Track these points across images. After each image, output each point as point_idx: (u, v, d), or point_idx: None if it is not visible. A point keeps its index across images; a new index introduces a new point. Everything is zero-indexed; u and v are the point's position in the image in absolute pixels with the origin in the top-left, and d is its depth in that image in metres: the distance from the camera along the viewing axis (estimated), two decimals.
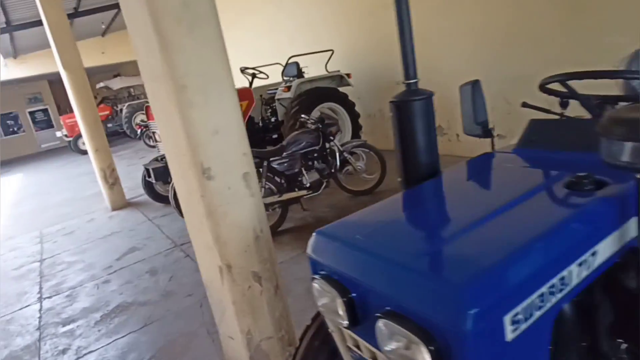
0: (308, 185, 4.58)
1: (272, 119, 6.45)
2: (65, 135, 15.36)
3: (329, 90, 6.14)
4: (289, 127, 5.82)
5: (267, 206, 4.30)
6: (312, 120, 4.69)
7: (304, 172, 4.61)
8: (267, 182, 4.33)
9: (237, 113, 1.94)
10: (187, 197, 2.04)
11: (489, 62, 5.05)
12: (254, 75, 6.45)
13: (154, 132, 5.73)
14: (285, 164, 4.50)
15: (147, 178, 5.88)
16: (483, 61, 5.11)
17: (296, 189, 4.54)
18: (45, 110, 21.27)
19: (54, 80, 20.93)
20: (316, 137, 4.67)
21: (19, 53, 14.99)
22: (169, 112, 1.84)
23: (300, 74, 6.50)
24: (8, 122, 20.72)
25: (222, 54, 1.85)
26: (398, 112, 1.73)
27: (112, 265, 4.42)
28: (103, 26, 12.80)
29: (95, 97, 17.25)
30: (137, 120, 15.35)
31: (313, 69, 6.70)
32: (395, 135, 1.76)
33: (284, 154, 4.52)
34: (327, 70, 6.29)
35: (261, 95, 6.39)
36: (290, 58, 5.96)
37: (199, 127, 1.81)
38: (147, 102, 13.60)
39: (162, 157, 5.69)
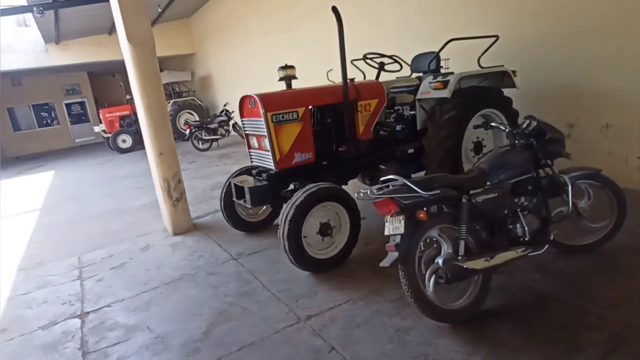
0: (528, 238, 2.79)
1: (397, 127, 4.71)
2: (104, 131, 14.05)
3: (493, 92, 4.37)
4: (440, 140, 4.05)
5: (467, 274, 2.54)
6: (520, 131, 2.96)
7: (521, 215, 2.84)
8: (466, 231, 2.57)
9: None
10: None
11: None
12: (382, 65, 4.73)
13: (247, 135, 4.05)
14: (491, 201, 2.72)
15: (233, 197, 4.18)
16: None
17: (508, 245, 2.77)
18: (82, 103, 20.18)
19: (94, 73, 19.88)
20: (528, 158, 2.91)
21: (61, 38, 13.77)
22: None
23: (438, 68, 4.75)
24: (42, 113, 19.69)
25: None
26: None
27: (199, 348, 2.69)
28: (159, 9, 11.38)
29: None
30: (183, 119, 13.92)
31: (452, 63, 4.95)
32: None
33: (487, 184, 2.75)
34: (480, 65, 4.51)
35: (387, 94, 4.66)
36: (448, 42, 4.20)
37: None
38: (194, 99, 12.14)
39: (260, 171, 4.00)
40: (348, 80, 4.50)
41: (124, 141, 13.59)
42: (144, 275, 3.94)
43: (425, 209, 2.53)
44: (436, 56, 4.40)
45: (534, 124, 2.95)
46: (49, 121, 19.96)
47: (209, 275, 3.73)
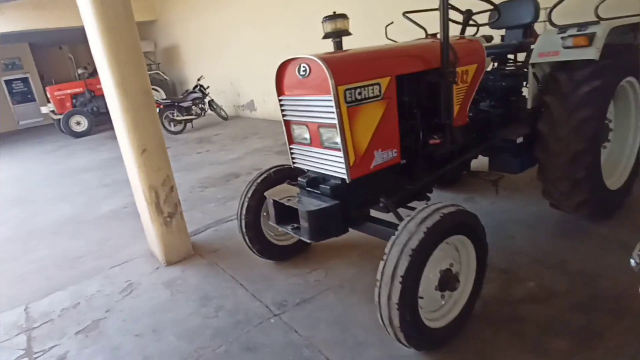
0: None
1: (481, 104, 3.36)
2: (53, 112, 11.91)
3: (636, 54, 3.08)
4: (577, 125, 2.73)
5: None
6: None
7: None
8: None
9: None
10: None
11: None
12: (470, 15, 3.31)
13: (287, 122, 2.59)
14: None
15: (269, 220, 2.73)
16: None
17: None
18: (25, 80, 17.50)
19: (37, 44, 17.26)
20: None
21: None
22: None
23: (534, 21, 3.42)
24: None
25: None
26: None
27: None
28: None
29: (86, 67, 13.69)
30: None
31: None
32: None
33: None
34: (597, 16, 3.17)
35: None
36: None
37: None
38: (159, 73, 10.18)
39: (314, 180, 2.54)
40: (429, 36, 3.17)
41: (78, 123, 11.55)
42: (134, 350, 2.47)
43: None
44: (557, 4, 3.00)
45: None
46: None
47: (245, 353, 2.31)
